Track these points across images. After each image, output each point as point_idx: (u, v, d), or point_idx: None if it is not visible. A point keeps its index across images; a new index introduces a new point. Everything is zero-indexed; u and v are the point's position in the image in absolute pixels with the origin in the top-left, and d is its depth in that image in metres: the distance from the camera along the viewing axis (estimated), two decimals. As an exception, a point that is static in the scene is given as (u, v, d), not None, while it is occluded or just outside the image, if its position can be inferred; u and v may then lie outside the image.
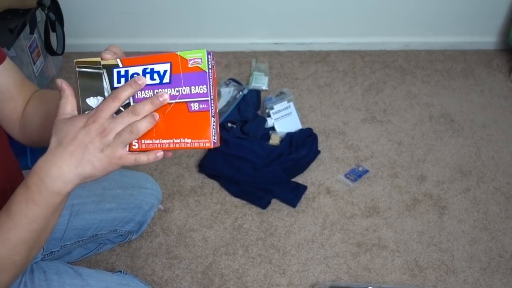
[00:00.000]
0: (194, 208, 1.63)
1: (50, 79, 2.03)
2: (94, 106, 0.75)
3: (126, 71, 0.75)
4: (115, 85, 0.75)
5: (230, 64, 2.13)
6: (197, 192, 1.68)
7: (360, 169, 1.74)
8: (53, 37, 1.89)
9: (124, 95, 0.71)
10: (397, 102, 1.99)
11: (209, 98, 0.74)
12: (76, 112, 0.74)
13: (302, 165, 1.73)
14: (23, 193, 0.71)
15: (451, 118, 1.94)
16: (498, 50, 2.23)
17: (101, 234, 1.28)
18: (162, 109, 0.74)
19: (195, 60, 0.74)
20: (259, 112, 1.92)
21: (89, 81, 0.76)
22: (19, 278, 0.97)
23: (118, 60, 0.76)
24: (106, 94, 0.76)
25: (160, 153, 0.73)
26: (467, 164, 1.78)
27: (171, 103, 0.74)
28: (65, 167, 0.70)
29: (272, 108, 1.85)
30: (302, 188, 1.67)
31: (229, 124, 1.82)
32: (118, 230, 1.34)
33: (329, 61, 2.17)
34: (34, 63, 1.87)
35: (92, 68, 0.76)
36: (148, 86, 0.75)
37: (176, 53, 0.75)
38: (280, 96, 1.94)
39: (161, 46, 2.16)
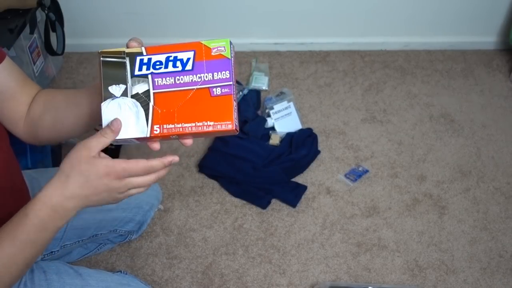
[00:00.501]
0: (194, 208, 1.63)
1: (50, 79, 2.03)
2: (116, 93, 0.78)
3: (149, 59, 0.78)
4: (136, 72, 0.78)
5: (230, 64, 2.13)
6: (197, 192, 1.68)
7: (360, 169, 1.74)
8: (53, 37, 1.89)
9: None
10: (397, 102, 1.99)
11: (232, 83, 0.76)
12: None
13: (302, 165, 1.73)
14: (36, 224, 0.74)
15: (451, 118, 1.94)
16: (498, 50, 2.23)
17: (101, 234, 1.28)
18: (184, 94, 0.76)
19: (219, 48, 0.77)
20: (259, 112, 1.92)
21: (112, 69, 0.78)
22: None
23: (143, 48, 0.79)
24: (128, 82, 0.78)
25: (176, 158, 0.77)
26: (467, 164, 1.78)
27: (192, 89, 0.76)
28: (79, 204, 0.75)
29: (272, 108, 1.85)
30: (302, 188, 1.67)
31: (229, 124, 1.82)
32: (118, 230, 1.34)
33: (329, 61, 2.17)
34: (34, 63, 1.87)
35: (116, 58, 0.79)
36: (170, 73, 0.77)
37: (200, 42, 0.77)
38: (280, 96, 1.94)
39: (161, 46, 2.16)
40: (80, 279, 1.01)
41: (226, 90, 0.76)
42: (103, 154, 0.75)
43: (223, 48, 0.77)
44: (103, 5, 2.05)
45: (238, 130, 0.77)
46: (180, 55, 0.77)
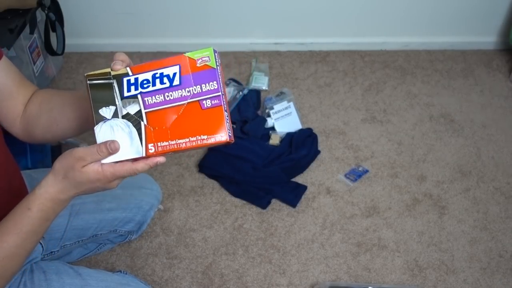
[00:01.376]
0: (194, 208, 1.63)
1: (50, 79, 2.03)
2: (107, 116, 0.78)
3: (136, 79, 0.78)
4: (125, 94, 0.78)
5: (230, 64, 2.13)
6: (197, 192, 1.68)
7: (360, 169, 1.74)
8: (53, 37, 1.89)
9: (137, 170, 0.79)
10: (397, 102, 1.99)
11: (220, 93, 0.76)
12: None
13: (302, 165, 1.73)
14: (39, 216, 0.80)
15: (451, 118, 1.94)
16: (498, 50, 2.23)
17: (101, 234, 1.28)
18: (175, 110, 0.77)
19: (203, 59, 0.77)
20: (259, 112, 1.92)
21: (100, 92, 0.78)
22: (18, 278, 0.97)
23: (128, 69, 0.78)
24: (117, 102, 0.78)
25: (161, 159, 0.79)
26: (467, 164, 1.78)
27: (183, 104, 0.76)
28: (76, 195, 0.82)
29: (272, 108, 1.85)
30: (302, 188, 1.67)
31: (229, 124, 1.82)
32: (118, 230, 1.34)
33: (329, 61, 2.17)
34: (34, 63, 1.87)
35: (102, 79, 0.78)
36: (158, 91, 0.77)
37: (184, 54, 0.77)
38: (280, 96, 1.94)
39: (161, 46, 2.16)
40: (80, 279, 1.01)
41: (216, 101, 0.76)
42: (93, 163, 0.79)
43: (207, 58, 0.77)
44: (103, 5, 2.05)
45: (233, 140, 0.77)
46: (166, 71, 0.77)
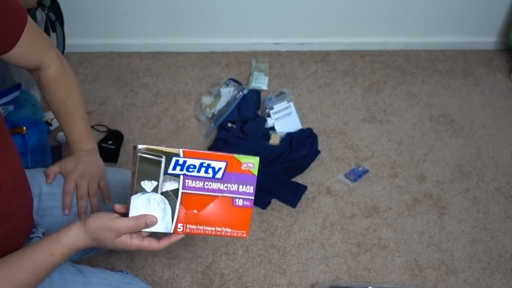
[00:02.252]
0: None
1: (50, 79, 2.03)
2: (147, 189, 0.84)
3: (184, 161, 0.85)
4: (169, 171, 0.84)
5: (230, 64, 2.13)
6: (197, 192, 1.67)
7: (360, 169, 1.74)
8: (53, 37, 1.89)
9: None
10: (397, 102, 1.99)
11: (253, 198, 0.88)
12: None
13: (302, 165, 1.73)
14: (58, 263, 0.85)
15: (451, 118, 1.94)
16: (498, 50, 2.23)
17: None
18: (208, 199, 0.86)
19: (249, 164, 0.88)
20: (259, 112, 1.92)
21: (148, 166, 0.83)
22: None
23: (181, 150, 0.85)
24: (160, 179, 0.84)
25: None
26: (467, 164, 1.78)
27: (217, 196, 0.86)
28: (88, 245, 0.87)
29: (272, 108, 1.85)
30: (302, 188, 1.67)
31: (229, 124, 1.82)
32: None
33: (329, 61, 2.17)
34: (34, 63, 1.86)
35: (153, 155, 0.84)
36: (200, 178, 0.86)
37: (233, 155, 0.87)
38: (280, 96, 1.94)
39: (161, 46, 2.16)
40: (82, 276, 1.01)
41: (247, 203, 0.88)
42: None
43: (252, 165, 0.88)
44: (103, 5, 2.05)
45: (247, 235, 0.89)
46: (213, 164, 0.86)
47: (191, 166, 0.85)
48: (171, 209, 0.84)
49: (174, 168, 0.84)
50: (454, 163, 1.78)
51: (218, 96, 1.93)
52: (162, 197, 0.84)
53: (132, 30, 2.13)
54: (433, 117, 1.94)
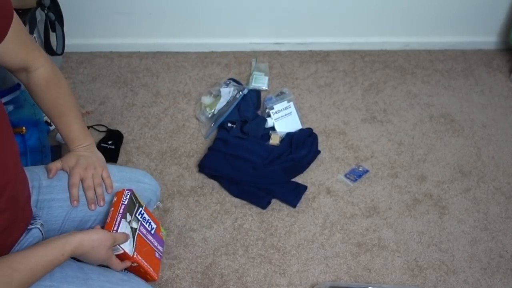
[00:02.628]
0: (194, 208, 1.63)
1: (50, 79, 2.03)
2: (127, 219, 1.12)
3: (143, 213, 1.20)
4: (137, 214, 1.17)
5: (230, 64, 2.13)
6: (197, 192, 1.67)
7: (360, 169, 1.74)
8: (53, 37, 1.89)
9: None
10: (397, 102, 1.99)
11: (162, 255, 1.25)
12: None
13: (302, 165, 1.73)
14: (63, 260, 0.94)
15: (451, 118, 1.94)
16: (498, 50, 2.23)
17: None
18: (145, 245, 1.17)
19: (162, 232, 1.28)
20: (259, 112, 1.92)
21: (132, 204, 1.15)
22: None
23: (143, 206, 1.21)
24: (133, 216, 1.15)
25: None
26: (467, 164, 1.78)
27: (150, 245, 1.19)
28: (81, 255, 1.00)
29: (272, 108, 1.85)
30: (302, 188, 1.67)
31: (229, 124, 1.82)
32: None
33: (329, 61, 2.16)
34: (34, 63, 1.86)
35: (135, 200, 1.17)
36: (146, 229, 1.19)
37: (159, 224, 1.26)
38: (280, 96, 1.94)
39: (161, 46, 2.16)
40: (82, 272, 1.02)
41: (158, 257, 1.22)
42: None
43: (163, 233, 1.29)
44: (103, 5, 2.05)
45: (157, 279, 1.18)
46: (152, 224, 1.23)
47: (145, 219, 1.19)
48: (133, 239, 1.11)
49: (139, 214, 1.17)
50: (454, 163, 1.78)
51: (218, 96, 1.93)
52: (130, 229, 1.12)
53: (132, 30, 2.13)
54: (433, 117, 1.93)
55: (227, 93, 1.92)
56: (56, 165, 1.15)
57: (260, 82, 2.01)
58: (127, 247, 1.09)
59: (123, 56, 2.14)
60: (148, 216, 1.20)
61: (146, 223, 1.19)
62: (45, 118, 1.72)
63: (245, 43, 2.18)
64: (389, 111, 1.95)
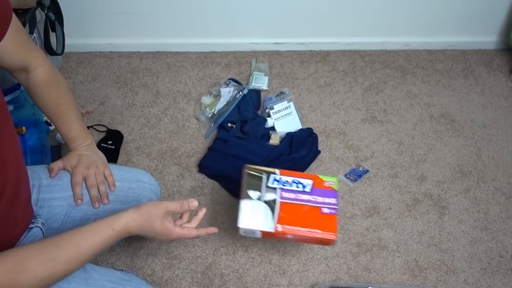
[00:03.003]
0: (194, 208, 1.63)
1: (50, 79, 2.03)
2: (253, 196, 1.12)
3: (280, 178, 1.15)
4: (269, 184, 1.14)
5: (230, 64, 2.13)
6: (197, 192, 1.67)
7: (360, 169, 1.74)
8: (53, 37, 1.89)
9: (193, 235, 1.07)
10: (397, 102, 1.99)
11: (337, 207, 1.15)
12: None
13: (302, 165, 1.73)
14: (114, 238, 0.94)
15: (452, 118, 1.94)
16: (498, 50, 2.23)
17: None
18: (300, 207, 1.12)
19: (330, 182, 1.19)
20: (259, 112, 1.92)
21: (252, 179, 1.14)
22: None
23: (277, 171, 1.18)
24: (262, 189, 1.13)
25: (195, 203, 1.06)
26: (468, 164, 1.78)
27: (307, 205, 1.13)
28: (137, 232, 0.99)
29: (272, 108, 1.85)
30: (302, 188, 1.66)
31: (229, 124, 1.82)
32: None
33: (329, 61, 2.16)
34: (34, 63, 1.86)
35: (256, 172, 1.17)
36: (293, 191, 1.14)
37: (317, 175, 1.20)
38: (280, 96, 1.94)
39: (161, 46, 2.16)
40: (83, 271, 1.02)
41: (332, 211, 1.14)
42: (170, 218, 1.02)
43: (332, 183, 1.19)
44: (103, 5, 2.05)
45: (335, 242, 1.14)
46: (302, 180, 1.16)
47: (285, 182, 1.13)
48: (272, 213, 1.06)
49: (272, 183, 1.12)
50: (454, 163, 1.78)
51: (218, 96, 1.93)
52: (265, 204, 1.08)
53: (132, 30, 2.13)
54: (434, 117, 1.93)
55: (227, 93, 1.92)
56: (58, 164, 1.15)
57: (260, 82, 2.01)
58: (263, 225, 1.07)
59: (123, 56, 2.14)
60: (292, 176, 1.15)
61: (290, 185, 1.14)
62: (45, 118, 1.72)
63: (245, 43, 2.18)
64: (389, 111, 1.95)
